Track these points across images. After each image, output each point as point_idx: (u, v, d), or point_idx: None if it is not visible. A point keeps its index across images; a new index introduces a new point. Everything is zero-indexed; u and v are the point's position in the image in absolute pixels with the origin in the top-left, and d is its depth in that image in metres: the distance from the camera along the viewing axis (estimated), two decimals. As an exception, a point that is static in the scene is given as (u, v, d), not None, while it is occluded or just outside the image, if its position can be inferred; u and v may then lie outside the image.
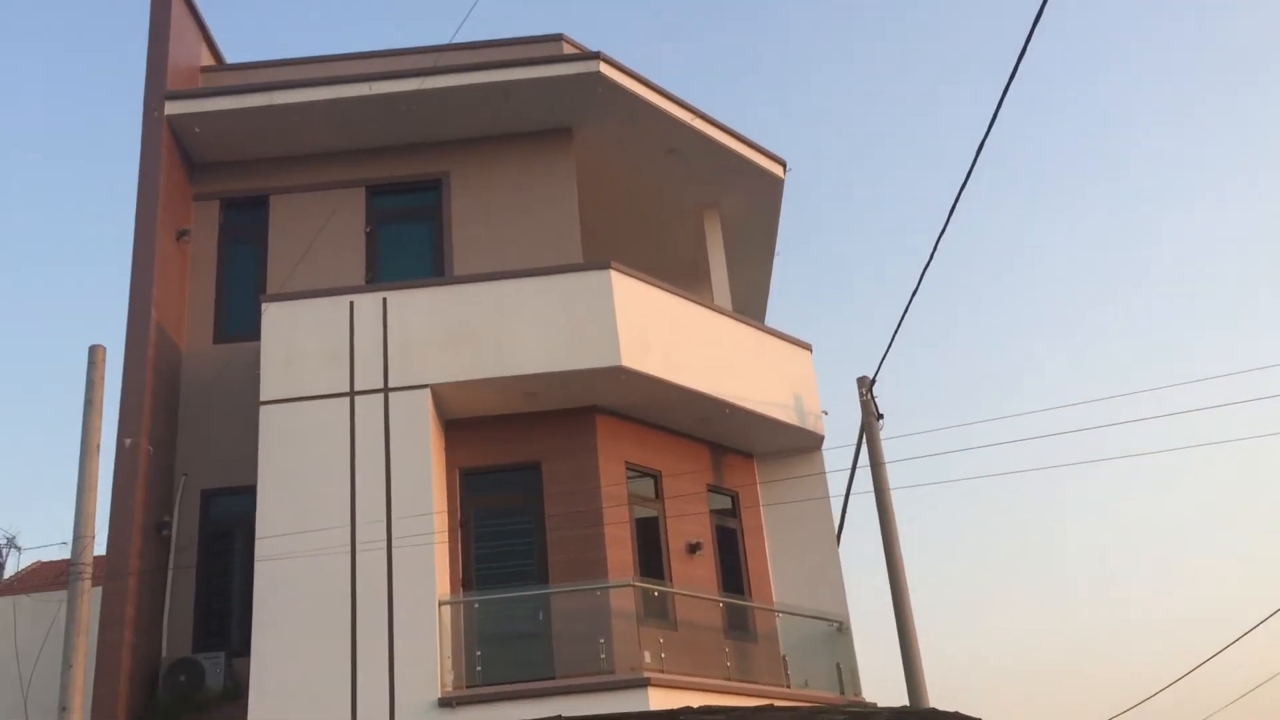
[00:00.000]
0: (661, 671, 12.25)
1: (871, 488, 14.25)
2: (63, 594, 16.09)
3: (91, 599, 11.84)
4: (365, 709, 11.66)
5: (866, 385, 14.61)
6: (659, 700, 11.62)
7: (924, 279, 12.78)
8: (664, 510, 14.11)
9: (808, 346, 15.96)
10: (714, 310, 15.15)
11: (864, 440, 14.66)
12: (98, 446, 12.11)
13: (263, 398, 12.92)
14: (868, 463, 14.52)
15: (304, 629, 12.01)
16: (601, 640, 12.38)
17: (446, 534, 12.76)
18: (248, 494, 12.95)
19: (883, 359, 14.56)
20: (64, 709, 11.20)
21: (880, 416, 14.47)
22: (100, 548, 12.32)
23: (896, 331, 13.80)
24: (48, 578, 20.64)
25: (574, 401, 13.65)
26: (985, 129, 9.84)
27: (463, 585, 12.97)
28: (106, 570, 12.42)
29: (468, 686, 12.06)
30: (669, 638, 13.01)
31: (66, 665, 11.35)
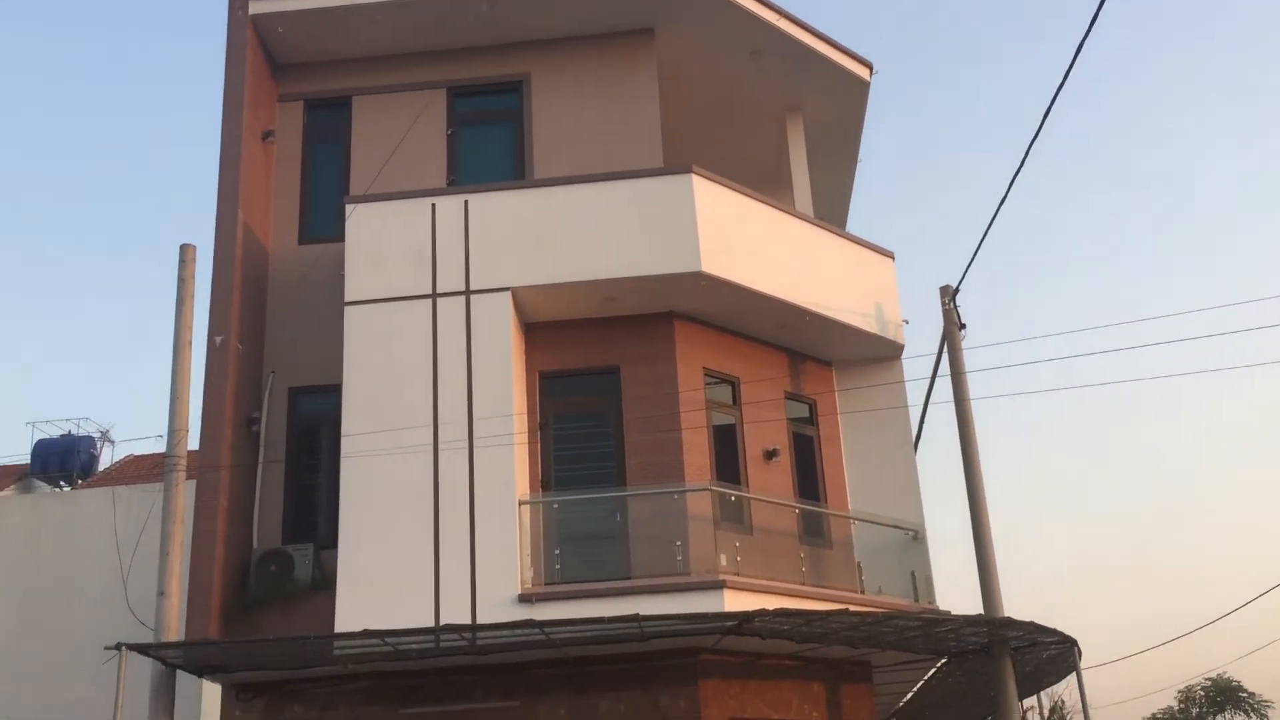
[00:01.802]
0: (737, 574, 12.41)
1: (951, 397, 14.10)
2: (158, 486, 16.72)
3: (186, 491, 12.29)
4: (448, 603, 11.98)
5: (950, 294, 14.37)
6: (734, 602, 11.78)
7: (1013, 186, 12.46)
8: (741, 416, 14.14)
9: (890, 254, 15.71)
10: (795, 216, 14.95)
11: (945, 350, 14.48)
12: (189, 343, 12.45)
13: (347, 299, 13.11)
14: (947, 372, 14.35)
15: (388, 524, 12.33)
16: (678, 543, 12.54)
17: (526, 436, 12.94)
18: (334, 392, 13.23)
19: (967, 268, 14.32)
20: (162, 594, 11.73)
21: (963, 326, 14.26)
22: (193, 442, 12.74)
23: (983, 240, 13.57)
24: (141, 470, 21.44)
25: (653, 306, 13.65)
26: (1086, 27, 9.44)
27: (541, 486, 13.18)
28: (200, 463, 12.83)
29: (546, 584, 12.34)
30: (745, 542, 13.14)
31: (163, 553, 11.85)
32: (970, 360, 14.12)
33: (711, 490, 13.02)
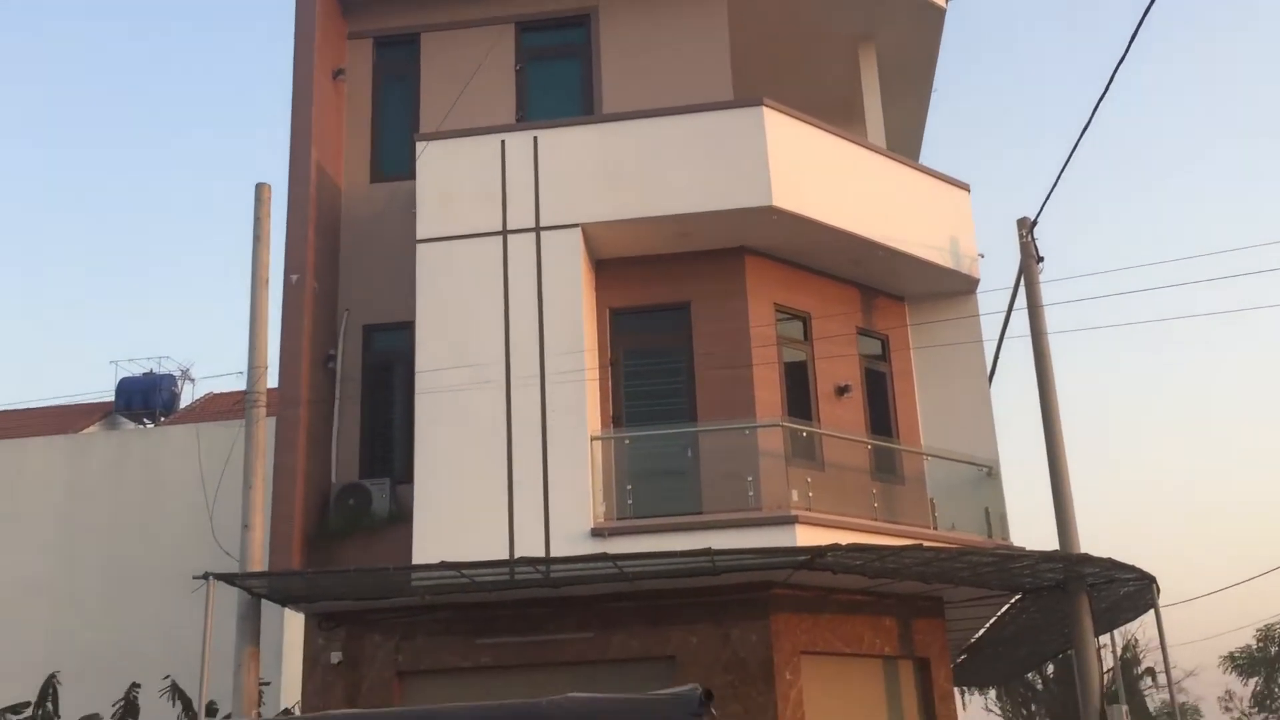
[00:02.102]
0: (808, 510, 12.41)
1: (1027, 331, 13.85)
2: (238, 422, 17.09)
3: (266, 427, 12.55)
4: (522, 536, 12.15)
5: (1027, 227, 14.05)
6: (806, 537, 11.80)
7: (1095, 115, 12.09)
8: (812, 352, 14.04)
9: (965, 186, 15.40)
10: (868, 148, 14.69)
11: (1021, 283, 14.20)
12: (266, 281, 12.64)
13: (419, 236, 13.19)
14: (1023, 305, 14.09)
15: (463, 459, 12.50)
16: (749, 478, 12.57)
17: (597, 372, 12.99)
18: (407, 330, 13.38)
19: (1046, 199, 13.98)
20: (246, 527, 12.03)
21: (1040, 259, 13.96)
22: (272, 379, 12.98)
23: (1062, 170, 13.20)
24: (221, 408, 21.94)
25: (724, 242, 13.55)
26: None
27: (613, 422, 13.25)
28: (279, 400, 13.08)
29: (618, 519, 12.45)
30: (816, 478, 13.12)
31: (246, 486, 12.14)
32: (1047, 294, 13.85)
33: (783, 426, 12.99)
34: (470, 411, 12.55)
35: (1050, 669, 29.23)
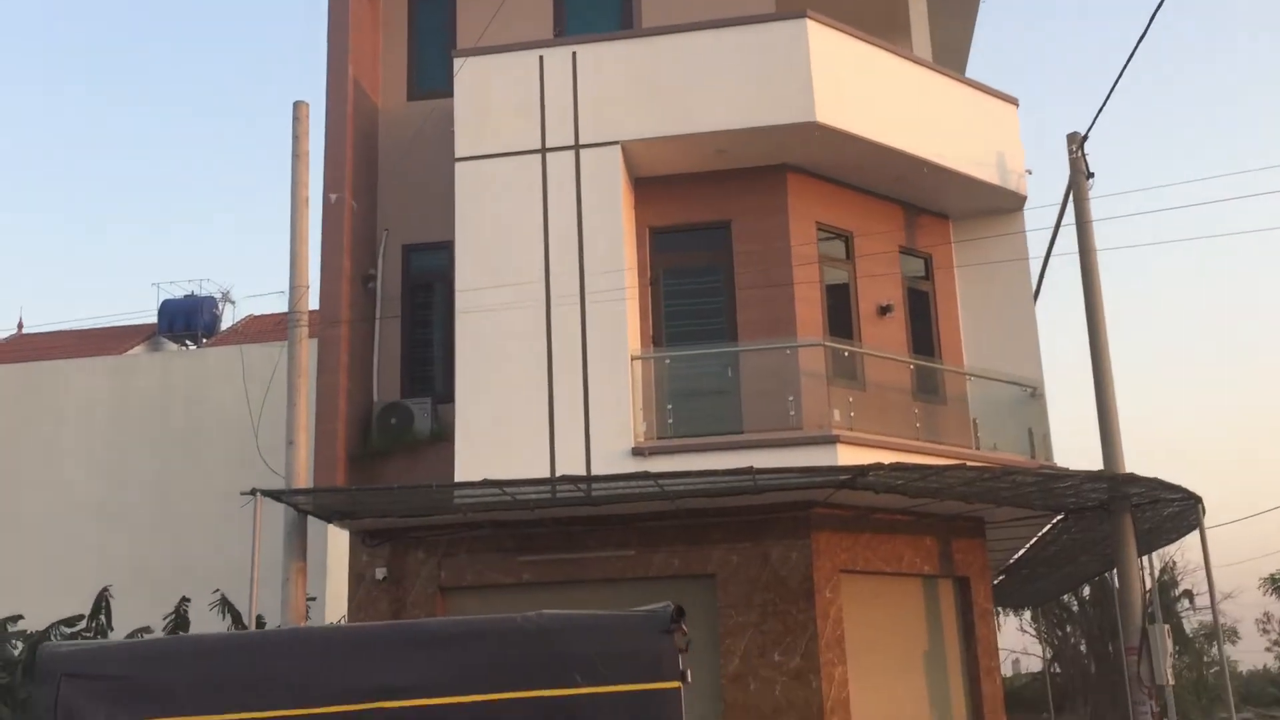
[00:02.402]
0: (850, 429, 12.36)
1: (1074, 249, 13.61)
2: (280, 344, 17.19)
3: (308, 348, 12.60)
4: (563, 455, 12.19)
5: (1077, 142, 13.73)
6: (848, 456, 11.76)
7: (1149, 29, 11.72)
8: (854, 271, 13.88)
9: (1013, 101, 15.03)
10: (914, 62, 14.34)
11: (1069, 200, 13.91)
12: (306, 199, 12.61)
13: (457, 154, 13.07)
14: (1071, 222, 13.82)
15: (503, 378, 12.51)
16: (790, 398, 12.51)
17: (637, 291, 12.91)
18: (446, 249, 13.34)
19: (1097, 114, 13.67)
20: (290, 443, 12.15)
21: (1090, 175, 13.66)
22: (313, 300, 13.01)
23: (1115, 85, 12.86)
24: (261, 329, 22.12)
25: (765, 159, 13.34)
26: None
27: (653, 342, 13.19)
28: (320, 319, 13.12)
29: (659, 438, 12.45)
30: (858, 398, 13.05)
31: (290, 404, 12.24)
32: (1096, 210, 13.57)
33: (824, 345, 12.90)
34: (510, 331, 12.53)
35: (1086, 591, 29.26)
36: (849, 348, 13.30)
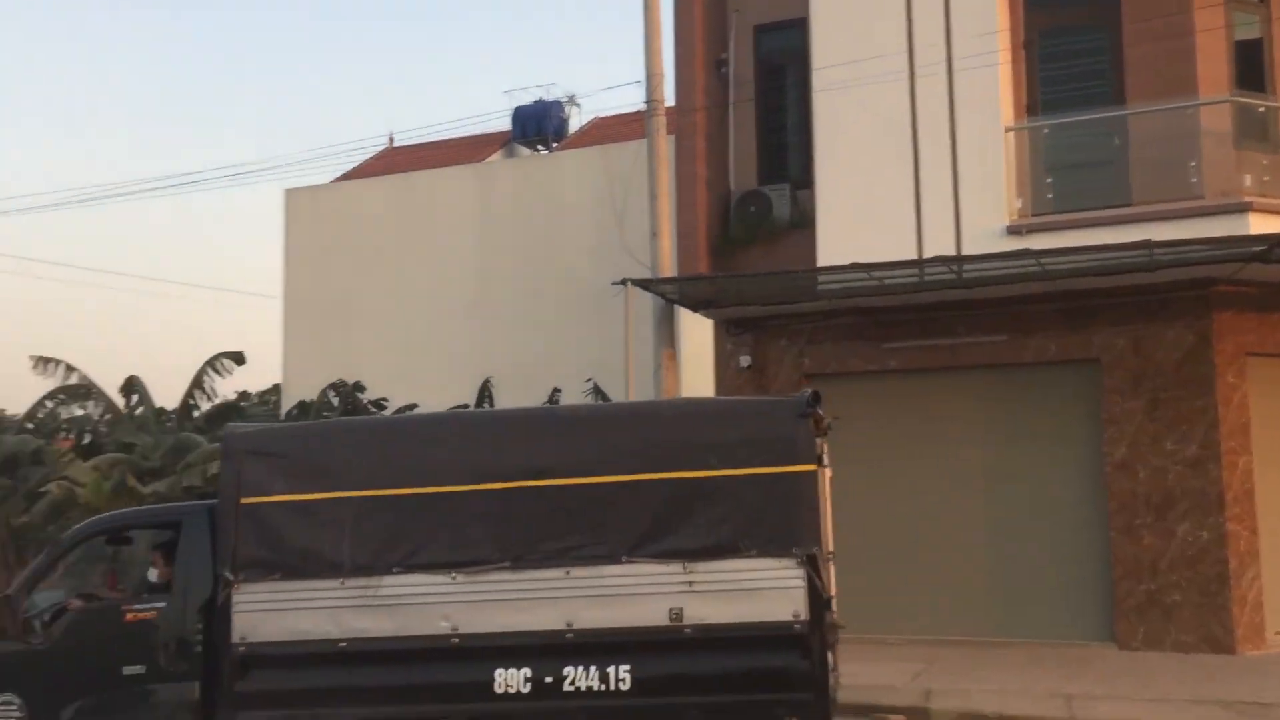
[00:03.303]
0: (1263, 196, 10.99)
1: None
2: (630, 144, 17.32)
3: (665, 140, 12.55)
4: (931, 235, 11.65)
5: None
6: (1261, 226, 10.50)
7: None
8: (1269, 16, 12.05)
9: None
10: None
11: None
12: (659, -16, 12.32)
13: (809, -78, 12.29)
14: None
15: (865, 159, 12.00)
16: (1191, 164, 11.24)
17: (1010, 55, 11.86)
18: (799, 26, 12.74)
19: None
20: (654, 235, 12.29)
21: None
22: (668, 93, 12.85)
23: None
24: (607, 131, 22.42)
25: (1160, -109, 11.66)
26: None
27: (1026, 111, 12.16)
28: (676, 107, 13.01)
29: (1035, 214, 11.61)
30: (1272, 161, 11.53)
31: (651, 196, 12.32)
32: None
33: (1232, 101, 11.39)
34: (872, 107, 11.91)
35: None
36: (1263, 102, 11.69)
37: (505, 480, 6.66)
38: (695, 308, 12.83)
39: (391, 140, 24.75)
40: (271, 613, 6.72)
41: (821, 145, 12.18)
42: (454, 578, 6.57)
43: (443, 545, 6.65)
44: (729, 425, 6.76)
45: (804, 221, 12.69)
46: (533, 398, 16.74)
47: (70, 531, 8.14)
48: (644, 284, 11.81)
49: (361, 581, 6.65)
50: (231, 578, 6.75)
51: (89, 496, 14.97)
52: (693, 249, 12.87)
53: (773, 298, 12.29)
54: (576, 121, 23.99)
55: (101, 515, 8.54)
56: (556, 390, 17.16)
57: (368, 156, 24.46)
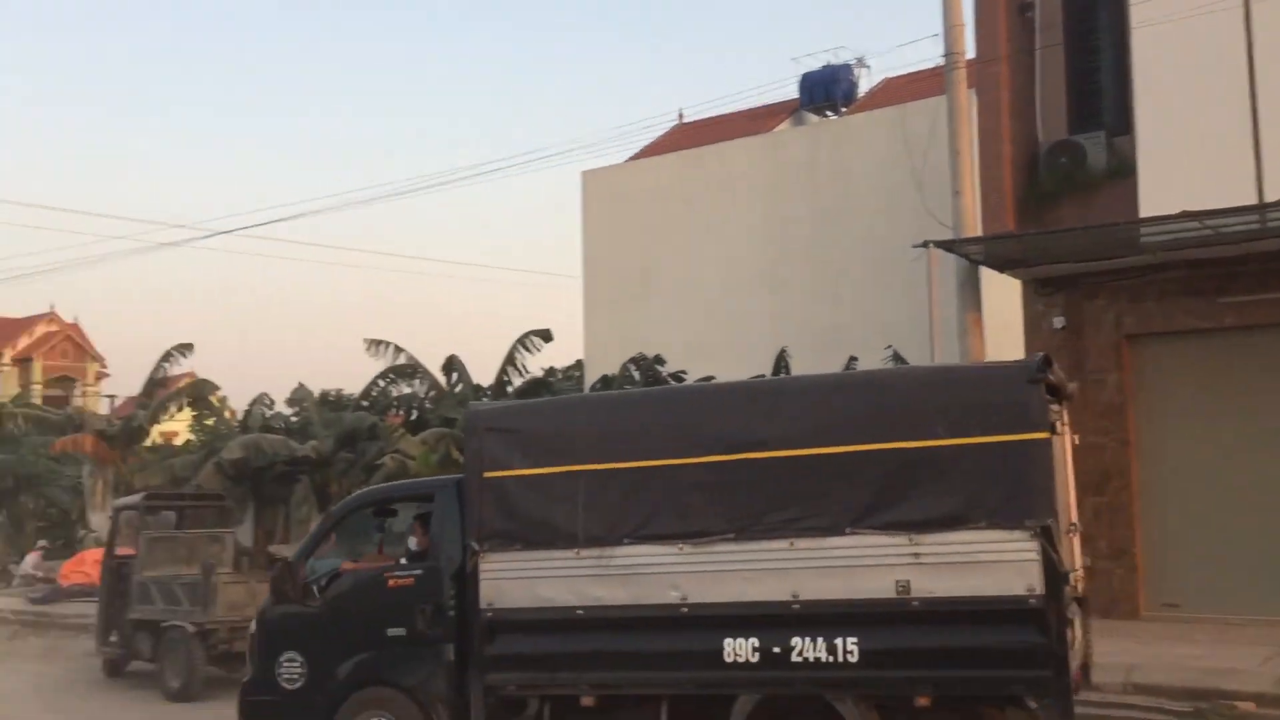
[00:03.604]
0: None
1: None
2: (923, 102, 16.72)
3: (966, 95, 11.96)
4: (1273, 179, 10.55)
5: None
6: None
7: None
8: None
9: None
10: None
11: None
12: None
13: None
14: None
15: (1192, 97, 11.04)
16: None
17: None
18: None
19: None
20: (956, 193, 11.77)
21: None
22: (968, 44, 12.25)
23: None
24: (895, 92, 21.73)
25: None
26: None
27: (1388, 30, 10.78)
28: (977, 57, 12.39)
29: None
30: None
31: (953, 152, 11.80)
32: None
33: None
34: (1199, 39, 10.89)
35: None
36: None
37: (728, 452, 6.65)
38: (1002, 268, 12.21)
39: (681, 116, 25.06)
40: (515, 581, 7.00)
41: (1141, 85, 11.26)
42: (681, 549, 6.64)
43: (670, 517, 6.74)
44: (956, 392, 6.45)
45: (1123, 170, 11.79)
46: (829, 366, 16.47)
47: (340, 503, 8.81)
48: (947, 245, 11.33)
49: (596, 552, 6.82)
50: (477, 548, 7.06)
51: (419, 468, 16.05)
52: (998, 206, 12.23)
53: (1089, 254, 11.51)
54: (866, 84, 23.46)
55: (368, 489, 9.11)
56: (853, 359, 16.83)
57: (659, 134, 24.87)
